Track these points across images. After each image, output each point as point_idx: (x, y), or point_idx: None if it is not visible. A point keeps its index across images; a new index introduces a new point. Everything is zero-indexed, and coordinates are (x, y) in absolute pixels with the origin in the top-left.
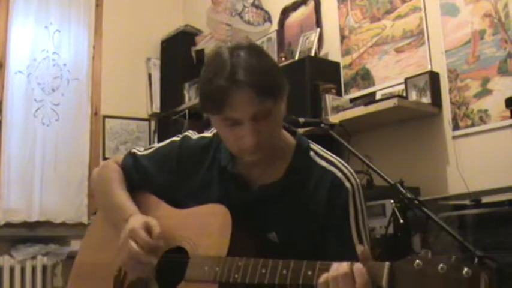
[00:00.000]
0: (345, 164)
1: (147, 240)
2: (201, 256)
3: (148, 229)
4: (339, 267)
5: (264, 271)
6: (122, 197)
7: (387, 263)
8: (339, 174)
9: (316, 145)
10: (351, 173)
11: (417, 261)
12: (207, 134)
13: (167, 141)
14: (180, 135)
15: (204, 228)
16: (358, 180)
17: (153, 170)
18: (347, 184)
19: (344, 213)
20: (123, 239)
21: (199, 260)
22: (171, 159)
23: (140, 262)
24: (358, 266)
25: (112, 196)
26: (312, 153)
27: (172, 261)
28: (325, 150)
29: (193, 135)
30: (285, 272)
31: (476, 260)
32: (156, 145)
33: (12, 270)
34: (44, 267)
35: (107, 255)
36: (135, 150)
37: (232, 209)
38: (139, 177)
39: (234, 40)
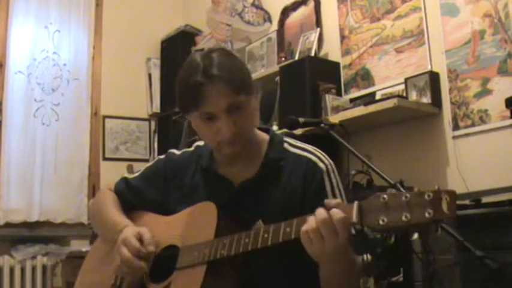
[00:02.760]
0: (318, 150)
1: (137, 247)
2: (190, 245)
3: (139, 238)
4: (317, 214)
5: (247, 240)
6: (116, 215)
7: (355, 202)
8: (312, 157)
9: (291, 138)
10: (324, 155)
11: (383, 195)
12: (189, 149)
13: (153, 160)
14: (164, 154)
15: (192, 223)
16: (332, 162)
17: (144, 188)
18: (321, 165)
19: (320, 189)
20: (116, 248)
21: (188, 248)
22: (159, 174)
23: (132, 267)
24: (334, 210)
25: (107, 216)
26: (286, 144)
27: (164, 257)
28: (299, 142)
29: (176, 151)
30: (266, 235)
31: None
32: (145, 166)
33: (12, 270)
34: (44, 267)
35: (105, 271)
36: (126, 175)
37: (218, 206)
38: (133, 196)
39: (234, 40)
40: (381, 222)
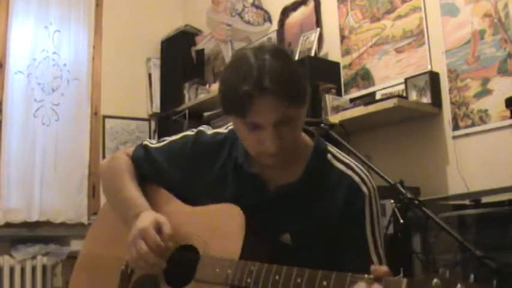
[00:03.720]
0: (362, 168)
1: (157, 242)
2: (212, 257)
3: (158, 228)
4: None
5: (277, 277)
6: (132, 191)
7: (405, 281)
8: (356, 178)
9: (334, 147)
10: (367, 177)
11: (435, 280)
12: (222, 130)
13: (180, 134)
14: (195, 130)
15: (217, 228)
16: (374, 185)
17: (166, 165)
18: (364, 188)
19: (360, 217)
20: (132, 237)
21: (210, 260)
22: (184, 154)
23: (149, 263)
24: (377, 286)
25: (122, 189)
26: (329, 155)
27: (182, 259)
28: (342, 153)
29: (207, 130)
30: (299, 280)
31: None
32: (169, 138)
33: (12, 270)
34: (44, 267)
35: (115, 248)
36: (147, 142)
37: (246, 209)
38: (151, 170)
39: (234, 40)
40: None
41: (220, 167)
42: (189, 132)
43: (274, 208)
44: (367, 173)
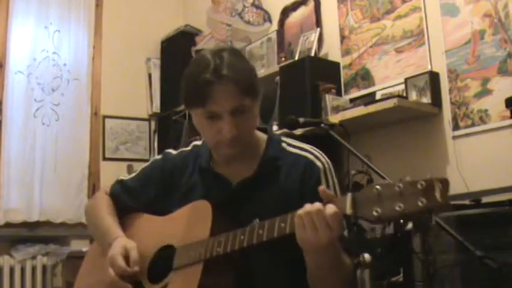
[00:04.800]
0: (316, 149)
1: (123, 268)
2: (186, 245)
3: (126, 254)
4: (313, 205)
5: (242, 237)
6: (108, 221)
7: (349, 193)
8: (310, 156)
9: (289, 138)
10: (321, 154)
11: (376, 186)
12: (186, 148)
13: (150, 161)
14: (161, 154)
15: (187, 222)
16: (329, 161)
17: (140, 188)
18: (318, 163)
19: (317, 188)
20: (106, 265)
21: (184, 248)
22: (155, 175)
23: (118, 287)
24: (329, 204)
25: (101, 223)
26: (284, 144)
27: (161, 258)
28: (297, 141)
29: (173, 151)
30: (261, 231)
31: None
32: (141, 167)
33: (12, 270)
34: (44, 267)
35: (100, 278)
36: (122, 177)
37: (215, 205)
38: (128, 198)
39: (234, 40)
40: (374, 213)
41: (188, 177)
42: (156, 157)
43: (241, 200)
44: (322, 153)
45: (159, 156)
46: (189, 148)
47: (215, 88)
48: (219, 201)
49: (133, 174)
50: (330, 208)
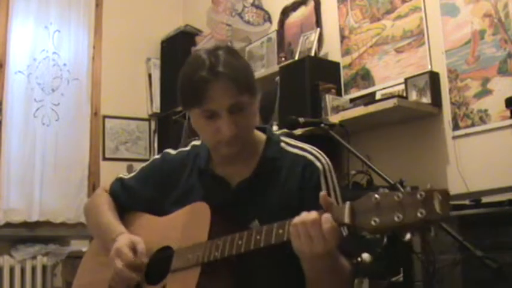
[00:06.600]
0: (316, 149)
1: (130, 258)
2: (184, 248)
3: (133, 247)
4: (309, 214)
5: (240, 242)
6: (111, 219)
7: (348, 202)
8: (310, 157)
9: (288, 138)
10: (321, 154)
11: (375, 195)
12: (185, 148)
13: (149, 161)
14: (161, 153)
15: (187, 224)
16: (329, 161)
17: (139, 188)
18: (318, 163)
19: (317, 189)
20: (110, 258)
21: (182, 251)
22: (154, 174)
23: (124, 278)
24: (326, 215)
25: (102, 219)
26: (282, 144)
27: (159, 259)
28: (296, 141)
29: (172, 151)
30: (258, 237)
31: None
32: (140, 167)
33: (12, 270)
34: (44, 267)
35: (100, 275)
36: (121, 175)
37: (214, 206)
38: (128, 197)
39: (234, 40)
40: (373, 223)
41: (187, 177)
42: (156, 157)
43: (240, 201)
44: (321, 152)
45: (158, 156)
46: (187, 148)
47: (211, 86)
48: (218, 203)
49: (133, 174)
50: (326, 220)
